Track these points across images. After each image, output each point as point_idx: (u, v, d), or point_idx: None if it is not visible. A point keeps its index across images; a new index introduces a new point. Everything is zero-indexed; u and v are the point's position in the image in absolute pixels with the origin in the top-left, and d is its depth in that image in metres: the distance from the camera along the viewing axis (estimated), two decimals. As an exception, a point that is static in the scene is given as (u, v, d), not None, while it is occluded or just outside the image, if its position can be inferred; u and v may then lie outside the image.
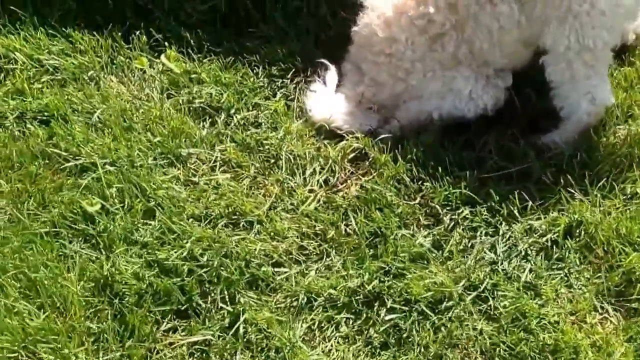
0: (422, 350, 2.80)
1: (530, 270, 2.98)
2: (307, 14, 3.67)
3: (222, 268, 2.94)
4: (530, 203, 3.13)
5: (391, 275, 2.95)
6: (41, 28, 3.63)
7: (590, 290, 2.93)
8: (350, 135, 3.29)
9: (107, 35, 3.61)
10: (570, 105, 3.29)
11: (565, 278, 2.98)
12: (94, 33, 3.63)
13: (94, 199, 3.13)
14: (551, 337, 2.82)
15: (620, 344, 2.82)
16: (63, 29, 3.64)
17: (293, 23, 3.65)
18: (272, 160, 3.26)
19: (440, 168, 3.18)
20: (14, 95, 3.47)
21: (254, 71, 3.51)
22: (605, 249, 3.02)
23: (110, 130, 3.32)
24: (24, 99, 3.44)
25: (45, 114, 3.40)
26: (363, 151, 3.27)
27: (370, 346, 2.84)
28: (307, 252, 3.04)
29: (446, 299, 2.90)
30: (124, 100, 3.43)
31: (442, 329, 2.84)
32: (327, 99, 3.37)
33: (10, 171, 3.25)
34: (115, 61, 3.56)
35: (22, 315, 2.85)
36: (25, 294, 2.91)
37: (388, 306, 2.88)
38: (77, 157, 3.26)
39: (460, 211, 3.10)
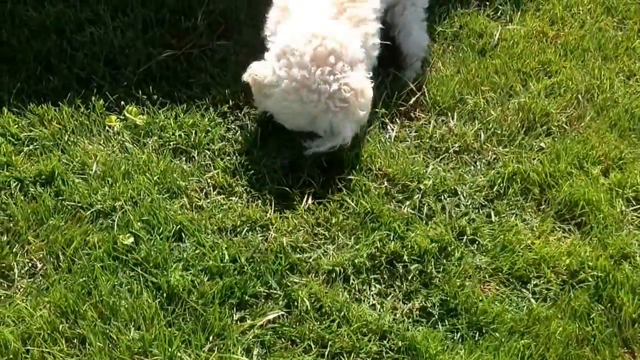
0: (446, 285, 3.46)
1: (495, 214, 3.75)
2: (233, 61, 4.24)
3: (262, 262, 3.44)
4: (471, 167, 3.92)
5: (397, 238, 3.59)
6: (4, 108, 3.91)
7: (543, 218, 3.75)
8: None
9: (67, 104, 3.95)
10: None
11: (520, 214, 3.77)
12: (50, 105, 3.96)
13: (126, 234, 3.50)
14: (534, 254, 3.60)
15: (583, 247, 3.65)
16: (23, 106, 3.94)
17: (224, 69, 4.20)
18: (256, 177, 3.77)
19: (395, 154, 3.89)
20: (3, 168, 3.73)
21: (208, 112, 4.01)
22: (541, 187, 3.86)
23: (109, 179, 3.69)
24: (16, 169, 3.72)
25: (43, 177, 3.70)
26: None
27: (403, 293, 3.46)
28: (320, 238, 3.61)
29: (448, 246, 3.59)
30: (107, 154, 3.80)
31: (453, 267, 3.52)
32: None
33: (36, 227, 3.53)
34: (83, 124, 3.90)
35: (109, 334, 3.21)
36: (106, 317, 3.25)
37: (406, 260, 3.52)
38: (92, 205, 3.60)
39: (425, 182, 3.80)
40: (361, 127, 3.88)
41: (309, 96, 3.70)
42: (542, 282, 3.55)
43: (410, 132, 4.03)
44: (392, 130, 4.01)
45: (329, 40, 3.72)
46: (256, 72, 3.79)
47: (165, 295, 3.34)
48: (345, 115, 3.74)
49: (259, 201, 3.70)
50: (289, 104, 3.74)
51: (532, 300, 3.49)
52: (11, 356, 3.14)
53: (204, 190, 3.74)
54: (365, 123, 3.91)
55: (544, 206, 3.81)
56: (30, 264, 3.44)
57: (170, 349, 3.17)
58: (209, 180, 3.76)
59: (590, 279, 3.55)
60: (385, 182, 3.80)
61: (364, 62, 3.84)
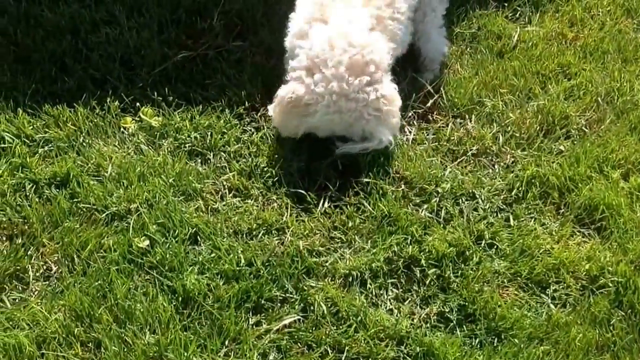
0: (464, 290, 3.42)
1: (513, 218, 3.71)
2: (249, 62, 4.21)
3: (278, 266, 3.41)
4: (490, 171, 3.88)
5: (414, 242, 3.55)
6: (19, 109, 3.89)
7: (562, 223, 3.70)
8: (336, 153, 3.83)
9: (82, 105, 3.93)
10: None
11: (539, 219, 3.73)
12: (65, 106, 3.94)
13: (141, 237, 3.47)
14: (553, 258, 3.55)
15: (603, 252, 3.61)
16: (38, 107, 3.92)
17: (239, 70, 4.17)
18: (272, 180, 3.74)
19: (413, 157, 3.85)
20: (18, 170, 3.70)
21: (224, 114, 3.98)
22: (560, 191, 3.81)
23: (124, 182, 3.67)
24: (30, 171, 3.69)
25: (58, 179, 3.67)
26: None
27: (420, 298, 3.42)
28: (337, 241, 3.57)
29: (466, 250, 3.55)
30: (122, 156, 3.77)
31: (471, 272, 3.48)
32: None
33: (51, 229, 3.50)
34: (98, 126, 3.88)
35: (124, 338, 3.18)
36: (121, 321, 3.23)
37: (423, 265, 3.48)
38: (107, 208, 3.57)
39: (443, 186, 3.76)
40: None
41: (347, 105, 3.68)
42: (561, 287, 3.50)
43: (427, 135, 3.99)
44: (410, 132, 3.98)
45: (366, 49, 3.70)
46: (290, 94, 3.71)
47: (180, 299, 3.31)
48: (377, 122, 3.72)
49: (275, 204, 3.67)
50: (330, 117, 3.71)
51: (552, 306, 3.44)
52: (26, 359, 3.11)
53: (220, 193, 3.71)
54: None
55: (563, 210, 3.77)
56: (45, 267, 3.42)
57: (185, 354, 3.14)
58: (224, 183, 3.73)
59: (610, 285, 3.50)
60: (403, 185, 3.77)
61: (389, 71, 3.83)
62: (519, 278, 3.52)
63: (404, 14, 3.94)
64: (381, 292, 3.43)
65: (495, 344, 3.31)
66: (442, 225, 3.64)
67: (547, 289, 3.50)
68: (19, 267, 3.39)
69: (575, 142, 4.03)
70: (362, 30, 3.77)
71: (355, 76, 3.66)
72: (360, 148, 3.77)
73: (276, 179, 3.74)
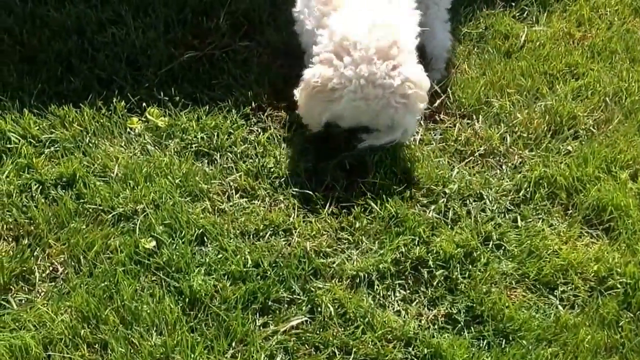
0: (472, 292, 3.40)
1: (521, 219, 3.69)
2: (255, 62, 4.20)
3: (285, 267, 3.40)
4: (497, 171, 3.86)
5: (422, 243, 3.53)
6: (25, 109, 3.88)
7: (570, 224, 3.69)
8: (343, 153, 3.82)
9: (88, 105, 3.92)
10: None
11: (546, 219, 3.71)
12: (71, 107, 3.93)
13: (148, 237, 3.46)
14: (561, 259, 3.54)
15: (611, 253, 3.59)
16: (44, 108, 3.91)
17: (246, 70, 4.15)
18: (279, 180, 3.73)
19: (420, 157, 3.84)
20: (24, 171, 3.69)
21: (230, 114, 3.96)
22: (568, 192, 3.79)
23: (131, 182, 3.65)
24: (36, 171, 3.68)
25: (64, 180, 3.66)
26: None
27: (428, 299, 3.41)
28: (344, 242, 3.56)
29: (473, 251, 3.53)
30: (129, 156, 3.76)
31: (479, 273, 3.46)
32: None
33: (57, 230, 3.49)
34: (104, 126, 3.86)
35: (131, 339, 3.18)
36: (128, 322, 3.22)
37: (431, 266, 3.47)
38: (113, 208, 3.56)
39: (450, 186, 3.75)
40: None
41: (374, 92, 3.54)
42: (569, 288, 3.49)
43: (435, 135, 3.98)
44: (417, 133, 3.95)
45: (390, 29, 3.57)
46: (316, 77, 3.57)
47: (187, 300, 3.30)
48: (405, 109, 3.60)
49: (282, 205, 3.66)
50: (357, 103, 3.56)
51: (560, 307, 3.43)
52: (32, 361, 3.11)
53: (227, 194, 3.69)
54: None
55: (571, 211, 3.75)
56: (51, 268, 3.41)
57: (192, 355, 3.13)
58: (231, 183, 3.72)
59: (618, 286, 3.48)
60: (410, 186, 3.75)
61: (415, 53, 3.69)
62: (526, 279, 3.50)
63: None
64: (389, 293, 3.42)
65: (503, 346, 3.30)
66: (449, 226, 3.63)
67: (555, 290, 3.49)
68: (25, 268, 3.38)
69: (583, 143, 4.01)
70: (390, 11, 3.66)
71: (382, 59, 3.52)
72: (386, 141, 3.71)
73: (283, 179, 3.73)
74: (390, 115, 3.62)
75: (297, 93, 3.68)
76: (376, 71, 3.51)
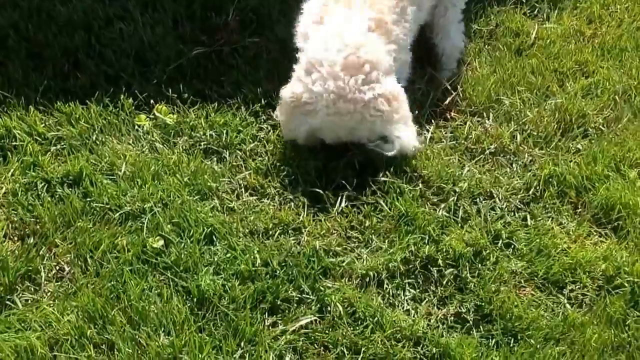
0: (481, 291, 3.38)
1: (530, 217, 3.67)
2: (265, 59, 4.18)
3: (295, 267, 3.38)
4: (507, 170, 3.84)
5: (431, 242, 3.51)
6: (31, 106, 3.86)
7: (579, 222, 3.67)
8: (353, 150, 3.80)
9: (95, 102, 3.90)
10: None
11: (556, 218, 3.69)
12: (78, 103, 3.91)
13: (155, 237, 3.44)
14: (570, 258, 3.52)
15: (619, 252, 3.57)
16: (50, 105, 3.89)
17: (255, 67, 4.13)
18: (288, 178, 3.71)
19: (431, 155, 3.82)
20: (30, 169, 3.68)
21: (239, 111, 3.95)
22: (578, 190, 3.78)
23: (138, 180, 3.64)
24: (43, 169, 3.66)
25: (70, 178, 3.65)
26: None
27: (437, 298, 3.39)
28: (354, 241, 3.54)
29: (483, 250, 3.51)
30: (136, 154, 3.74)
31: (488, 272, 3.44)
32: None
33: (63, 229, 3.48)
34: (112, 123, 3.85)
35: (138, 340, 3.16)
36: (135, 322, 3.20)
37: (440, 265, 3.45)
38: (120, 207, 3.55)
39: (460, 185, 3.73)
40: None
41: (345, 107, 3.62)
42: (577, 287, 3.47)
43: (445, 133, 3.95)
44: (427, 131, 3.94)
45: (361, 50, 3.65)
46: (290, 94, 3.68)
47: (195, 300, 3.28)
48: (383, 122, 3.67)
49: (292, 203, 3.64)
50: (331, 118, 3.65)
51: (568, 306, 3.41)
52: (38, 362, 3.09)
53: (236, 192, 3.68)
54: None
55: (580, 210, 3.73)
56: (57, 267, 3.40)
57: (200, 355, 3.11)
58: (240, 182, 3.70)
59: (626, 285, 3.46)
60: (420, 184, 3.73)
61: (393, 74, 3.77)
62: (535, 278, 3.48)
63: (409, 19, 3.88)
64: (398, 292, 3.40)
65: (511, 345, 3.28)
66: (459, 225, 3.61)
67: (564, 289, 3.47)
68: (31, 268, 3.37)
69: (592, 141, 3.99)
70: (357, 31, 3.72)
71: (350, 75, 3.61)
72: (387, 150, 3.72)
73: (293, 177, 3.71)
74: (369, 128, 3.68)
75: (277, 111, 3.80)
76: (343, 85, 3.58)
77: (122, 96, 3.95)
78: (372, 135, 3.70)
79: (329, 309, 3.30)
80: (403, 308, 3.36)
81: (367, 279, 3.41)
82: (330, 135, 3.74)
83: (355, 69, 3.63)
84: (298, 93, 3.66)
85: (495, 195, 3.73)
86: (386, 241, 3.53)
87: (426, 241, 3.52)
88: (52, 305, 3.26)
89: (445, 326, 3.32)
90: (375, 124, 3.66)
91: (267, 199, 3.65)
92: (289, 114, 3.72)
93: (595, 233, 3.67)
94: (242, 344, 3.19)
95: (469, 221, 3.62)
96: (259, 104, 3.98)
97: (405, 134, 3.70)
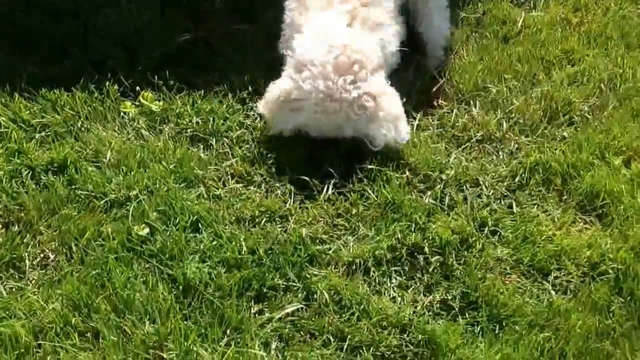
0: (467, 278, 3.39)
1: (516, 204, 3.68)
2: (252, 46, 4.18)
3: (281, 254, 3.38)
4: (493, 157, 3.85)
5: (418, 230, 3.52)
6: (15, 93, 3.84)
7: (564, 209, 3.68)
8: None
9: (80, 89, 3.88)
10: None
11: (541, 205, 3.70)
12: (63, 90, 3.89)
13: (141, 224, 3.43)
14: (555, 245, 3.53)
15: (604, 239, 3.58)
16: (35, 91, 3.87)
17: (243, 54, 4.12)
18: (275, 166, 3.71)
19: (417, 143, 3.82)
20: (14, 156, 3.67)
21: (226, 98, 3.94)
22: (563, 177, 3.78)
23: (124, 168, 3.63)
24: (27, 156, 3.65)
25: (55, 165, 3.64)
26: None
27: (424, 286, 3.40)
28: (340, 229, 3.54)
29: (469, 237, 3.52)
30: (122, 141, 3.73)
31: (474, 259, 3.45)
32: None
33: (48, 217, 3.47)
34: (97, 110, 3.83)
35: (123, 328, 3.15)
36: (120, 310, 3.19)
37: (427, 252, 3.45)
38: (105, 195, 3.54)
39: (447, 172, 3.73)
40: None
41: (332, 106, 3.66)
42: (562, 274, 3.47)
43: (432, 121, 3.95)
44: (414, 118, 3.93)
45: (349, 49, 3.70)
46: (277, 88, 3.74)
47: (181, 287, 3.27)
48: (368, 120, 3.71)
49: (278, 191, 3.64)
50: (318, 116, 3.69)
51: (553, 293, 3.41)
52: (22, 350, 3.06)
53: (222, 179, 3.67)
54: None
55: (565, 197, 3.74)
56: (42, 255, 3.38)
57: (186, 343, 3.10)
58: (227, 169, 3.70)
59: (610, 272, 3.47)
60: (407, 172, 3.73)
61: (383, 69, 3.83)
62: (521, 265, 3.48)
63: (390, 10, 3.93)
64: (384, 280, 3.40)
65: (496, 331, 3.28)
66: (445, 213, 3.61)
67: (549, 276, 3.47)
68: (15, 256, 3.35)
69: (578, 129, 4.00)
70: (344, 30, 3.78)
71: (339, 75, 3.67)
72: (373, 146, 3.75)
73: (279, 165, 3.71)
74: (351, 126, 3.71)
75: (261, 105, 3.83)
76: (333, 86, 3.63)
77: (107, 83, 3.93)
78: (357, 133, 3.74)
79: (315, 296, 3.29)
80: (389, 295, 3.36)
81: (354, 267, 3.40)
82: (316, 132, 3.76)
83: (345, 69, 3.68)
84: (287, 89, 3.70)
85: (481, 183, 3.73)
86: (373, 229, 3.53)
87: (412, 229, 3.51)
88: (36, 293, 3.24)
89: (431, 313, 3.32)
90: (360, 122, 3.71)
91: (254, 187, 3.65)
92: (277, 110, 3.75)
93: (580, 220, 3.68)
94: (227, 331, 3.17)
95: (455, 209, 3.62)
96: (246, 91, 3.97)
97: (391, 131, 3.73)
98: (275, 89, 3.76)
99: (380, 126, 3.72)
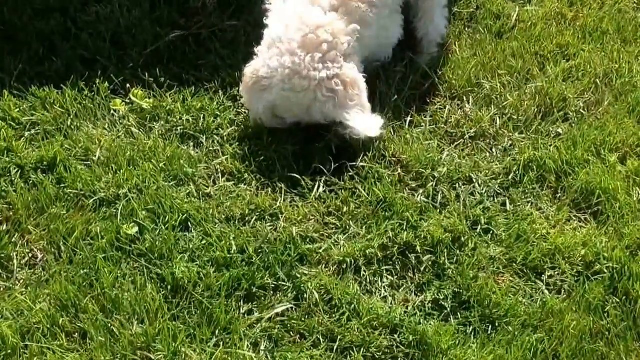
0: (459, 277, 3.36)
1: (510, 202, 3.64)
2: (243, 42, 4.15)
3: (271, 253, 3.35)
4: (487, 154, 3.81)
5: (410, 228, 3.48)
6: (5, 90, 3.82)
7: (559, 207, 3.64)
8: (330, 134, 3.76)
9: (70, 86, 3.85)
10: None
11: (535, 203, 3.67)
12: (52, 88, 3.87)
13: (130, 223, 3.40)
14: (549, 244, 3.49)
15: (599, 237, 3.55)
16: (24, 89, 3.84)
17: (234, 51, 4.09)
18: (266, 163, 3.68)
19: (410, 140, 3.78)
20: (3, 154, 3.64)
21: (217, 96, 3.90)
22: (557, 175, 3.75)
23: (113, 166, 3.60)
24: (16, 155, 3.63)
25: (44, 163, 3.61)
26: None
27: (415, 285, 3.37)
28: (332, 227, 3.51)
29: (461, 236, 3.48)
30: (112, 139, 3.70)
31: (467, 258, 3.42)
32: None
33: (37, 215, 3.44)
34: (87, 108, 3.80)
35: (111, 328, 3.12)
36: (108, 311, 3.16)
37: (418, 251, 3.42)
38: (95, 193, 3.51)
39: (440, 170, 3.70)
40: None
41: (299, 83, 3.66)
42: (556, 273, 3.45)
43: (425, 117, 3.91)
44: (407, 115, 3.89)
45: (320, 29, 3.70)
46: (250, 68, 3.76)
47: (170, 287, 3.24)
48: (334, 104, 3.69)
49: (269, 189, 3.61)
50: (286, 94, 3.69)
51: (546, 292, 3.39)
52: (9, 351, 3.04)
53: (212, 177, 3.64)
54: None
55: (560, 194, 3.71)
56: (30, 255, 3.36)
57: (174, 344, 3.08)
58: (217, 167, 3.67)
59: (605, 271, 3.44)
60: (399, 169, 3.70)
61: (356, 57, 3.81)
62: (514, 264, 3.46)
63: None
64: (375, 279, 3.37)
65: (489, 332, 3.26)
66: (438, 211, 3.58)
67: (543, 275, 3.44)
68: (3, 255, 3.33)
69: (573, 125, 3.97)
70: (319, 14, 3.78)
71: (307, 53, 3.67)
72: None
73: (270, 162, 3.68)
74: (319, 109, 3.70)
75: (241, 89, 3.85)
76: (299, 61, 3.63)
77: (98, 80, 3.91)
78: (326, 118, 3.72)
79: (305, 296, 3.27)
80: (380, 295, 3.33)
81: (344, 266, 3.38)
82: (287, 113, 3.75)
83: (313, 47, 3.68)
84: (256, 67, 3.72)
85: (474, 180, 3.70)
86: (364, 227, 3.50)
87: (404, 227, 3.49)
88: (24, 293, 3.22)
89: (422, 313, 3.29)
90: (327, 106, 3.69)
91: (244, 185, 3.62)
92: (249, 91, 3.76)
93: (574, 218, 3.65)
94: (216, 332, 3.15)
95: (448, 207, 3.59)
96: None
97: (360, 122, 3.69)
98: (247, 69, 3.77)
99: (350, 115, 3.70)
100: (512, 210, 3.62)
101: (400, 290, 3.35)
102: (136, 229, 3.40)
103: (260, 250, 3.38)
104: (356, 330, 3.20)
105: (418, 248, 3.43)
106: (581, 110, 4.03)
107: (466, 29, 4.36)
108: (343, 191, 3.60)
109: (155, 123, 3.81)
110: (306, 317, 3.23)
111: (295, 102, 3.69)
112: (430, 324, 3.25)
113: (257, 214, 3.51)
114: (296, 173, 3.64)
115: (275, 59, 3.68)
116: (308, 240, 3.44)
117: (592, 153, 3.84)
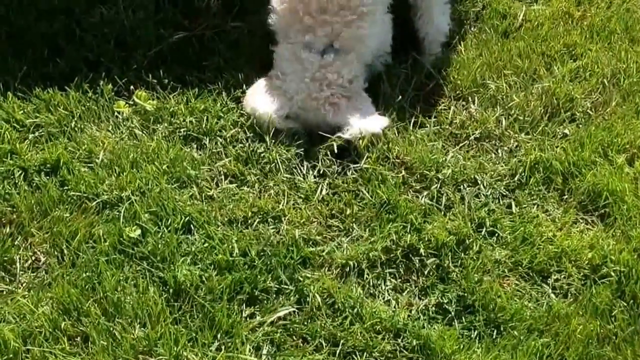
0: (464, 281, 3.33)
1: (515, 204, 3.62)
2: (247, 44, 4.14)
3: (273, 256, 3.33)
4: (492, 155, 3.79)
5: (413, 231, 3.46)
6: (9, 92, 3.81)
7: (565, 209, 3.61)
8: (333, 136, 3.75)
9: (74, 88, 3.85)
10: None
11: (541, 205, 3.64)
12: (56, 90, 3.86)
13: (132, 226, 3.39)
14: (555, 247, 3.46)
15: (606, 240, 3.52)
16: (28, 91, 3.84)
17: (237, 52, 4.08)
18: (269, 166, 3.66)
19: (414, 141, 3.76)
20: (6, 157, 3.63)
21: (220, 97, 3.89)
22: (564, 176, 3.72)
23: (117, 168, 3.59)
24: (20, 157, 3.62)
25: (48, 166, 3.60)
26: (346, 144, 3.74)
27: (419, 289, 3.34)
28: (334, 230, 3.49)
29: (466, 238, 3.46)
30: (115, 141, 3.69)
31: (471, 261, 3.39)
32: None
33: (40, 218, 3.43)
34: (91, 110, 3.80)
35: (113, 332, 3.11)
36: (110, 314, 3.15)
37: (422, 254, 3.40)
38: (97, 196, 3.50)
39: (444, 171, 3.67)
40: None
41: (310, 104, 3.76)
42: (562, 276, 3.42)
43: (429, 118, 3.89)
44: (411, 116, 3.87)
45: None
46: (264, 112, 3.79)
47: (172, 291, 3.23)
48: (335, 112, 3.76)
49: (272, 191, 3.59)
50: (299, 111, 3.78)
51: (552, 296, 3.36)
52: (11, 356, 3.03)
53: (215, 180, 3.63)
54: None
55: (566, 196, 3.68)
56: (33, 258, 3.35)
57: (176, 348, 3.07)
58: (220, 169, 3.65)
59: (612, 274, 3.40)
60: (403, 171, 3.67)
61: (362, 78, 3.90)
62: (519, 267, 3.43)
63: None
64: (379, 282, 3.35)
65: (494, 337, 3.23)
66: (442, 213, 3.56)
67: (549, 279, 3.41)
68: (6, 258, 3.32)
69: (580, 126, 3.94)
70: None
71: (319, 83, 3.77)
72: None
73: (273, 164, 3.66)
74: (323, 120, 3.76)
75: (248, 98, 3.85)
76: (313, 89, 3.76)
77: (101, 82, 3.89)
78: (329, 126, 3.76)
79: (307, 299, 3.25)
80: (383, 298, 3.31)
81: (347, 269, 3.36)
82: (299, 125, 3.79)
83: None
84: (269, 111, 3.76)
85: (479, 182, 3.67)
86: (367, 230, 3.48)
87: (408, 230, 3.46)
88: (26, 296, 3.21)
89: (426, 317, 3.27)
90: (328, 116, 3.74)
91: (247, 187, 3.60)
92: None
93: (581, 220, 3.62)
94: (218, 335, 3.14)
95: (452, 209, 3.57)
96: (241, 90, 3.92)
97: (361, 121, 3.72)
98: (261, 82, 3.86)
99: (350, 117, 3.74)
100: (517, 213, 3.59)
101: (404, 294, 3.33)
102: (139, 231, 3.39)
103: (262, 253, 3.36)
104: (359, 334, 3.18)
105: (422, 251, 3.41)
106: (588, 111, 4.00)
107: (472, 29, 4.34)
108: (346, 193, 3.58)
109: (158, 125, 3.79)
110: (308, 320, 3.21)
111: (306, 119, 3.79)
112: (434, 328, 3.22)
113: (260, 216, 3.49)
114: (299, 175, 3.63)
115: (294, 83, 3.77)
116: (311, 243, 3.42)
117: (600, 154, 3.81)
